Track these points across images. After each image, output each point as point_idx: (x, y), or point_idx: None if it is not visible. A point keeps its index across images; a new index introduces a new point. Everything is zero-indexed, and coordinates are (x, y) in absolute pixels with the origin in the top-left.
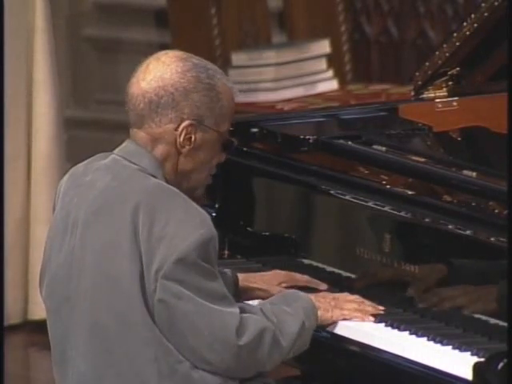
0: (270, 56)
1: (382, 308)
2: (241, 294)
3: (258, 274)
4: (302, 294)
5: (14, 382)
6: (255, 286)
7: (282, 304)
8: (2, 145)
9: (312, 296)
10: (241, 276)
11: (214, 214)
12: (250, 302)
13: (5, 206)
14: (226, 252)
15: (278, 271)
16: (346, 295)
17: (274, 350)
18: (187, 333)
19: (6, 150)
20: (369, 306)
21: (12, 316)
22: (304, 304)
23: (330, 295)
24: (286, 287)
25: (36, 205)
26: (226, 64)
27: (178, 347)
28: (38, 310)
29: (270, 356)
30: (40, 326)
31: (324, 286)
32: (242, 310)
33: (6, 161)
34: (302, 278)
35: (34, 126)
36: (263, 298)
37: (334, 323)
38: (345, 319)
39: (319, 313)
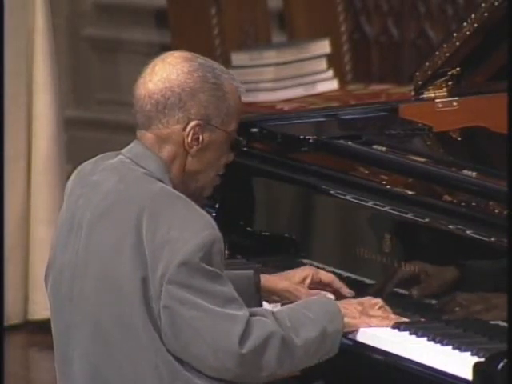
0: (270, 56)
1: (405, 319)
2: (263, 296)
3: (284, 272)
4: (327, 298)
5: (14, 382)
6: (279, 286)
7: (303, 308)
8: (2, 145)
9: (337, 302)
10: (263, 277)
11: (214, 214)
12: (272, 305)
13: (5, 207)
14: (226, 252)
15: (304, 267)
16: (369, 299)
17: (284, 355)
18: (191, 340)
19: (6, 150)
20: (392, 315)
21: (12, 316)
22: (328, 308)
23: (355, 301)
24: (311, 284)
25: (36, 205)
26: (226, 64)
27: (183, 355)
28: (38, 310)
29: (279, 361)
30: (40, 326)
31: (346, 289)
32: (252, 314)
33: (6, 161)
34: (327, 276)
35: (34, 126)
36: (287, 299)
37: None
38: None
39: (346, 319)
